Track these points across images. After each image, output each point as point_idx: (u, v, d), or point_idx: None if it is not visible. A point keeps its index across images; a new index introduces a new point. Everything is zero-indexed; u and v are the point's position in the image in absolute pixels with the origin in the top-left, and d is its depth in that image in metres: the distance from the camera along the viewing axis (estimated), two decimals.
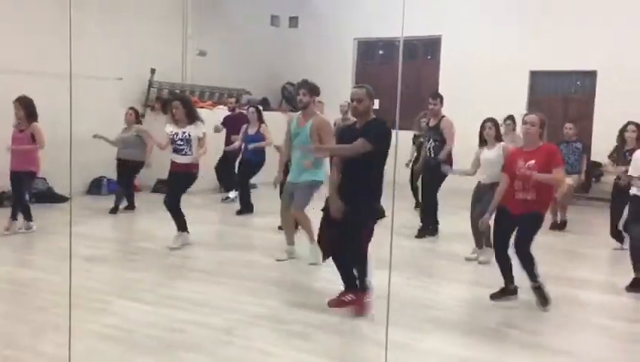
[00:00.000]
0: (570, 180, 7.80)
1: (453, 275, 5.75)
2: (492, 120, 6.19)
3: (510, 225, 4.79)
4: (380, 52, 13.35)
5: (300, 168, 5.80)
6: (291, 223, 6.16)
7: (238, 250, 6.61)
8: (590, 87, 10.96)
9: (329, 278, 5.01)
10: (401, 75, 12.61)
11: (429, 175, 7.35)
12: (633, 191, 5.35)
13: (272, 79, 13.05)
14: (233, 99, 10.54)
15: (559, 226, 8.11)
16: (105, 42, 9.92)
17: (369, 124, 4.48)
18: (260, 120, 8.64)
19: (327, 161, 6.12)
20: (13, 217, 6.88)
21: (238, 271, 5.68)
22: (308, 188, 5.78)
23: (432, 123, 7.43)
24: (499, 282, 5.08)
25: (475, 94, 11.24)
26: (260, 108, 9.23)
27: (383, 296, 4.60)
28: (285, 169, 6.33)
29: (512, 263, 4.84)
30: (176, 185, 6.56)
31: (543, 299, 4.78)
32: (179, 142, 6.42)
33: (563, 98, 11.25)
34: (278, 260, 6.05)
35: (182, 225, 6.54)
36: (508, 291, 4.93)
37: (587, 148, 8.29)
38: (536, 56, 10.97)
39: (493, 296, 4.92)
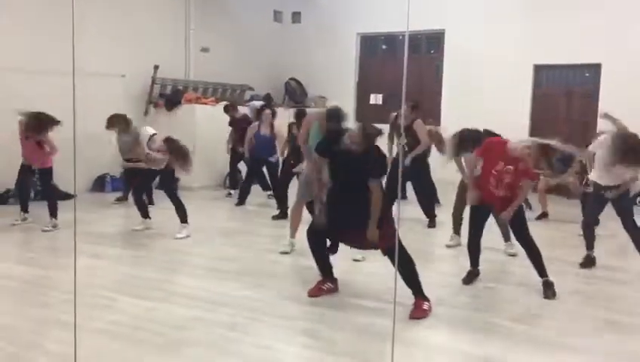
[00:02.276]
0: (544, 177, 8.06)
1: (454, 268, 5.72)
2: None
3: (485, 213, 5.12)
4: (383, 47, 13.31)
5: None
6: (299, 217, 6.21)
7: (242, 245, 6.60)
8: (594, 80, 10.90)
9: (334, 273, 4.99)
10: (405, 70, 12.62)
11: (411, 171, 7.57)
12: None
13: (275, 75, 13.03)
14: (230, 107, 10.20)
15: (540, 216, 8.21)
16: (107, 39, 9.89)
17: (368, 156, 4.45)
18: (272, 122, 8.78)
19: None
20: (25, 210, 7.21)
21: (241, 266, 5.67)
22: None
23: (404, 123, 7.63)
24: (503, 276, 5.07)
25: (478, 88, 11.21)
26: (272, 109, 9.11)
27: (385, 290, 4.65)
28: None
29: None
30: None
31: (551, 292, 4.88)
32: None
33: (567, 92, 11.19)
34: (281, 253, 6.08)
35: (184, 217, 6.87)
36: (475, 274, 5.27)
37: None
38: (541, 50, 10.91)
39: (465, 281, 5.20)
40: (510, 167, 4.80)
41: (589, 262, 5.84)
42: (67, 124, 8.15)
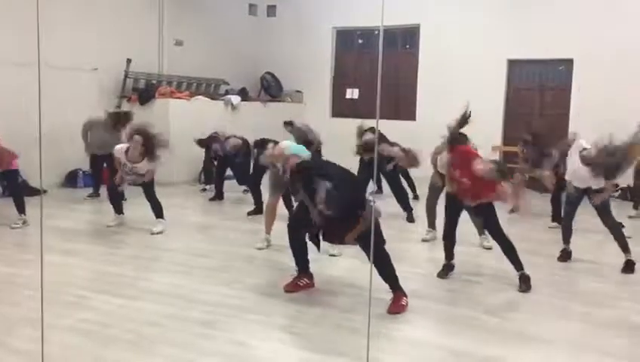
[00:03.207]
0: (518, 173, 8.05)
1: (429, 262, 5.72)
2: None
3: (459, 208, 5.19)
4: (360, 41, 13.29)
5: None
6: (274, 212, 6.19)
7: (217, 241, 6.54)
8: (567, 75, 11.01)
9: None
10: (381, 65, 12.62)
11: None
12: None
13: (250, 69, 12.92)
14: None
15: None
16: (79, 32, 9.72)
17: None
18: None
19: None
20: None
21: (217, 262, 5.61)
22: None
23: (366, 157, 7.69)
24: (478, 269, 5.08)
25: (453, 83, 11.23)
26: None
27: (360, 285, 4.64)
28: None
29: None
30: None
31: (526, 286, 4.93)
32: (128, 172, 6.66)
33: (540, 87, 11.29)
34: (257, 248, 6.05)
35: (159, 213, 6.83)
36: (450, 267, 5.30)
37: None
38: (514, 45, 10.98)
39: (440, 275, 5.24)
40: (466, 180, 4.92)
41: (566, 256, 5.93)
42: (35, 118, 8.02)
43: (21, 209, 6.89)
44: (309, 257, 4.85)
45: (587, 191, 5.68)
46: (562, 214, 6.25)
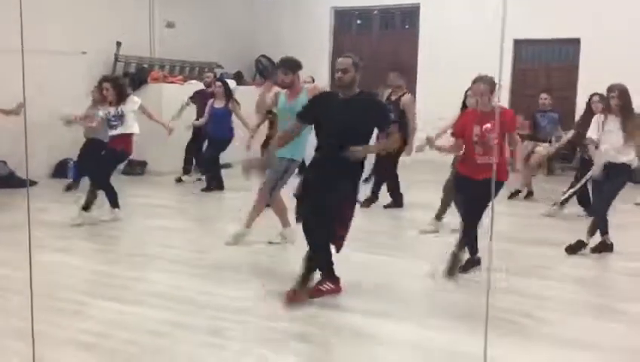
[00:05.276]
0: (542, 149, 7.92)
1: (427, 253, 5.40)
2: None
3: (472, 188, 4.69)
4: (358, 21, 12.86)
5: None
6: (282, 203, 5.71)
7: (218, 236, 6.15)
8: (574, 55, 10.70)
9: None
10: (379, 46, 12.25)
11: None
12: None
13: (245, 52, 12.48)
14: (211, 74, 9.84)
15: (526, 196, 7.98)
16: (66, 13, 9.26)
17: (363, 100, 4.18)
18: (228, 95, 8.43)
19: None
20: None
21: (220, 260, 5.25)
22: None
23: (393, 97, 7.15)
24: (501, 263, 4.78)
25: (456, 65, 10.85)
26: (227, 82, 8.93)
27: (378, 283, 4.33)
28: None
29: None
30: (106, 161, 6.70)
31: (453, 269, 4.71)
32: (112, 119, 6.52)
33: (546, 67, 10.98)
34: (270, 243, 5.67)
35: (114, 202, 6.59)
36: (474, 261, 4.87)
37: (562, 119, 8.29)
38: (521, 24, 10.60)
39: (462, 269, 4.80)
40: (488, 125, 4.61)
41: (604, 247, 5.45)
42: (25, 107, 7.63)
43: None
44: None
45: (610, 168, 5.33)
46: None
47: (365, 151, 4.13)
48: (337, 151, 4.02)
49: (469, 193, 4.75)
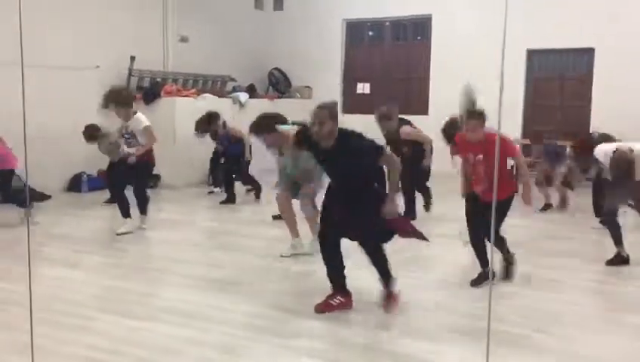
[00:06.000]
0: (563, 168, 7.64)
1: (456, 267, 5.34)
2: None
3: (482, 207, 4.61)
4: (370, 33, 12.86)
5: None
6: (293, 213, 5.75)
7: (230, 249, 6.15)
8: (588, 65, 10.60)
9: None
10: (391, 57, 12.22)
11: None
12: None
13: (258, 65, 12.52)
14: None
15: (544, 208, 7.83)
16: (80, 28, 9.35)
17: (344, 145, 4.08)
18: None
19: None
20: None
21: (232, 274, 5.23)
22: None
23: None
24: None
25: (468, 75, 10.78)
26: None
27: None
28: None
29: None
30: (139, 175, 6.83)
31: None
32: (127, 136, 6.70)
33: (560, 77, 10.89)
34: (282, 256, 5.65)
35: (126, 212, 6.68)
36: (486, 275, 4.73)
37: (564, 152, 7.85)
38: (534, 34, 10.56)
39: (474, 283, 4.76)
40: (480, 156, 4.58)
41: (620, 260, 5.34)
42: (38, 121, 7.71)
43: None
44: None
45: None
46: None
47: (393, 204, 4.11)
48: (345, 192, 4.16)
49: (478, 207, 4.70)
